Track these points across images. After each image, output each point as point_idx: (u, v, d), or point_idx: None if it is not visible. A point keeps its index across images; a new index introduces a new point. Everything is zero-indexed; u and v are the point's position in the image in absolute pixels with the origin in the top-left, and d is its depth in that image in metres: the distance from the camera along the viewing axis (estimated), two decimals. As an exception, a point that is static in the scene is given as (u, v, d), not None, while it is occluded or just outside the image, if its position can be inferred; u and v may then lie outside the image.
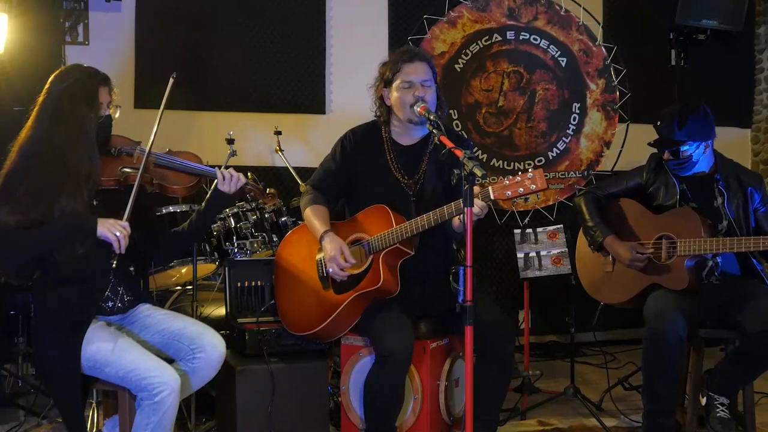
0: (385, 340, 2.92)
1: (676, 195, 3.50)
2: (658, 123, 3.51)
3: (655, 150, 3.66)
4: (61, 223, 2.57)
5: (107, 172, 2.76)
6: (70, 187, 2.61)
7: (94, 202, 2.72)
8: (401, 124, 3.20)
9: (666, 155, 3.49)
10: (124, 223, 2.61)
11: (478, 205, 2.77)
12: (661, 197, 3.55)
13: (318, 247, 3.16)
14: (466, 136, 5.18)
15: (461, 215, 2.85)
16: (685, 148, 3.43)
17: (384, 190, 3.16)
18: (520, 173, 2.71)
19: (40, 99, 2.71)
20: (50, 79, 2.74)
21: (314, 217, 3.17)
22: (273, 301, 3.36)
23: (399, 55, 3.20)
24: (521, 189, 2.69)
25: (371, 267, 3.02)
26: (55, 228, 2.57)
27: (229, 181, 2.90)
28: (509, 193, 2.71)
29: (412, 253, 3.04)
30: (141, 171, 2.73)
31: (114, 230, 2.58)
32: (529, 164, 5.35)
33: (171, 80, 2.82)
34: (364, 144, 3.25)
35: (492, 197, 2.77)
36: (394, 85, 3.13)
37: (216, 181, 2.91)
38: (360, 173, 3.22)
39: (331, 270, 3.04)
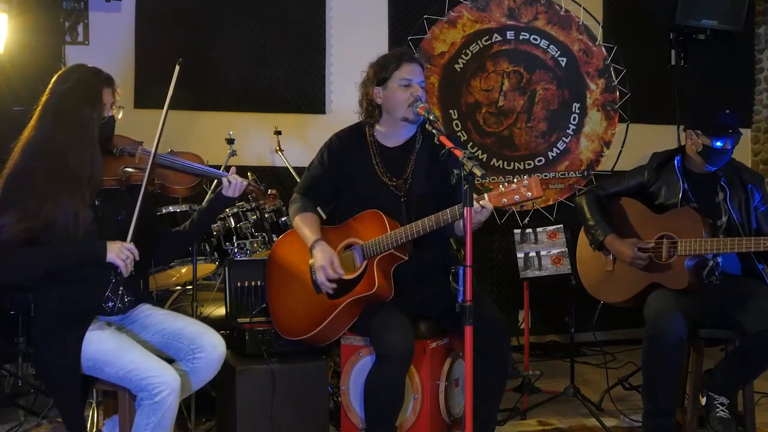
0: (386, 339, 2.91)
1: (678, 194, 3.50)
2: (727, 111, 3.51)
3: (657, 150, 3.71)
4: (72, 246, 2.59)
5: (109, 172, 2.76)
6: (71, 188, 2.61)
7: (96, 202, 2.72)
8: (390, 125, 3.19)
9: (728, 144, 3.46)
10: (130, 245, 2.63)
11: (475, 208, 2.75)
12: (663, 196, 3.55)
13: None
14: (465, 136, 5.24)
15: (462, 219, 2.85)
16: (740, 132, 3.51)
17: (371, 193, 3.15)
18: (515, 180, 2.70)
19: (43, 99, 2.71)
20: (53, 79, 2.74)
21: (304, 226, 3.15)
22: (265, 305, 3.34)
23: (397, 54, 3.20)
24: (517, 197, 2.68)
25: (365, 272, 3.02)
26: (65, 251, 2.59)
27: (234, 188, 2.91)
28: (505, 200, 2.71)
29: (406, 258, 3.04)
30: (147, 173, 2.73)
31: (122, 255, 2.60)
32: (529, 164, 5.35)
33: (177, 67, 2.79)
34: (349, 147, 3.23)
35: (489, 205, 2.76)
36: (390, 83, 3.12)
37: (216, 181, 2.92)
38: (347, 177, 3.21)
39: (318, 279, 3.03)
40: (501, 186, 2.73)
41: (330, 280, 3.02)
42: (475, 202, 2.61)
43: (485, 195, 2.76)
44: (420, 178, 3.16)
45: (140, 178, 2.75)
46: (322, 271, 3.01)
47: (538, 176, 2.76)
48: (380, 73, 3.15)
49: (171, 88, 2.78)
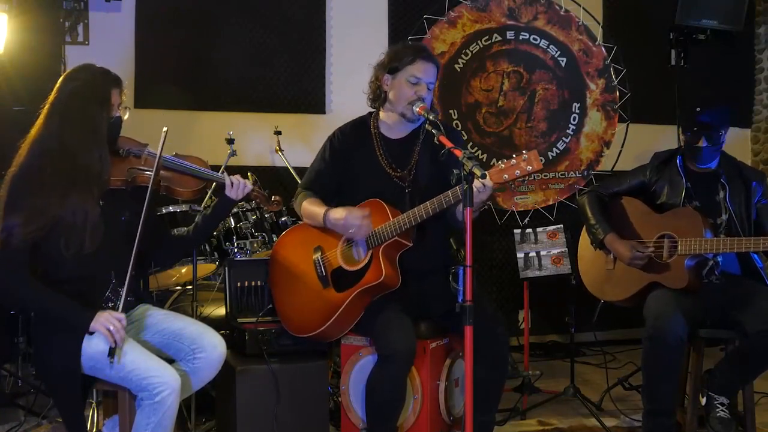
0: (388, 340, 2.92)
1: (681, 193, 3.51)
2: (698, 110, 3.52)
3: (657, 150, 3.71)
4: (59, 305, 2.57)
5: (115, 172, 2.75)
6: (80, 185, 2.61)
7: (101, 202, 2.72)
8: (393, 116, 3.20)
9: (702, 142, 3.46)
10: (120, 315, 2.57)
11: (476, 186, 2.72)
12: (666, 195, 3.56)
13: (314, 246, 3.16)
14: (465, 136, 5.24)
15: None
16: (722, 132, 3.49)
17: (376, 185, 3.15)
18: (515, 155, 2.70)
19: (51, 98, 2.70)
20: (61, 78, 2.73)
21: (312, 205, 3.18)
22: (271, 306, 3.34)
23: (416, 49, 3.20)
24: (518, 171, 2.68)
25: (372, 262, 3.02)
26: (51, 305, 2.57)
27: (237, 188, 2.91)
28: (506, 176, 2.71)
29: (411, 245, 3.03)
30: (153, 176, 2.72)
31: (107, 324, 2.54)
32: (529, 164, 5.34)
33: (164, 132, 2.78)
34: (352, 141, 3.24)
35: (490, 183, 2.76)
36: (401, 75, 3.12)
37: (217, 184, 2.92)
38: (351, 170, 3.22)
39: (352, 221, 3.00)
40: (501, 163, 2.73)
41: (337, 270, 3.04)
42: (476, 180, 2.61)
43: (485, 173, 2.75)
44: (424, 168, 3.17)
45: (145, 179, 2.75)
46: (348, 221, 3.01)
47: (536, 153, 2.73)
48: (393, 61, 3.15)
49: (159, 150, 2.77)
